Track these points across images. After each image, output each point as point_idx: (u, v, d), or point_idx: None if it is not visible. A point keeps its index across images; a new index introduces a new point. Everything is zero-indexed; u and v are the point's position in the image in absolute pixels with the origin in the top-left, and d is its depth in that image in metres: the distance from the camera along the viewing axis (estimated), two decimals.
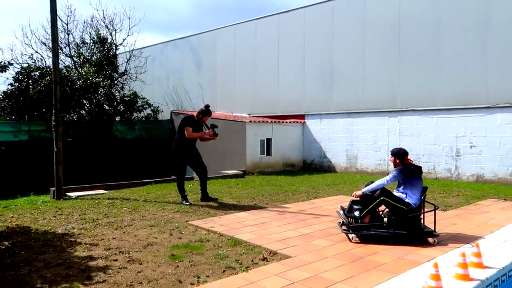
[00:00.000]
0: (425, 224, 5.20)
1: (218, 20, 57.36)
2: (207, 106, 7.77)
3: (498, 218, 6.29)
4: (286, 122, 14.43)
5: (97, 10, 20.30)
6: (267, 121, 14.05)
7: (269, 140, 13.87)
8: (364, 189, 5.24)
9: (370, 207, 5.02)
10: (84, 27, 17.76)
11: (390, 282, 3.63)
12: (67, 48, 17.48)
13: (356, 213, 5.10)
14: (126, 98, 16.96)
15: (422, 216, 5.15)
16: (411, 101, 11.96)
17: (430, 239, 4.92)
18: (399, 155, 5.22)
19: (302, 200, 8.17)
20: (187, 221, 6.23)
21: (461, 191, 9.26)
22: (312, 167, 14.43)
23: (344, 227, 5.21)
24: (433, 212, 5.11)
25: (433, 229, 5.04)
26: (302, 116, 14.73)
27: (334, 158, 13.89)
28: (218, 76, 17.83)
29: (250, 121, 13.61)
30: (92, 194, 8.79)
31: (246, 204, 7.70)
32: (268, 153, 13.85)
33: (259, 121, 13.87)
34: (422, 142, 11.80)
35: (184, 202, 7.56)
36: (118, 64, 17.84)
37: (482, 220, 6.22)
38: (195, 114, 7.81)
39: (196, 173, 8.03)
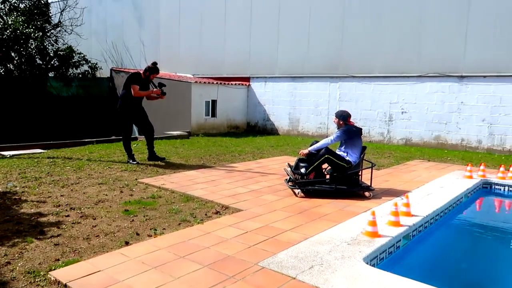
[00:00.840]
0: (362, 180, 5.73)
1: None
2: (154, 63, 7.58)
3: (423, 176, 7.07)
4: (231, 84, 14.45)
5: None
6: (213, 83, 13.98)
7: (214, 102, 13.87)
8: (310, 148, 5.60)
9: (315, 164, 5.41)
10: None
11: (333, 229, 4.05)
12: None
13: (302, 170, 5.47)
14: (61, 53, 15.74)
15: (360, 173, 5.66)
16: (351, 67, 12.53)
17: (367, 193, 5.46)
18: (343, 117, 5.62)
19: (249, 160, 8.47)
20: (136, 179, 6.25)
21: (392, 153, 10.13)
22: (256, 130, 14.76)
23: (290, 183, 5.58)
24: (370, 169, 5.63)
25: (369, 184, 5.58)
26: (247, 79, 14.83)
27: (277, 121, 14.30)
28: (162, 33, 17.15)
29: (196, 82, 13.46)
30: (28, 153, 8.34)
31: (194, 163, 7.82)
32: (213, 115, 13.89)
33: (204, 82, 13.75)
34: (359, 108, 12.54)
35: (131, 161, 7.49)
36: (51, 14, 16.37)
37: (410, 177, 6.95)
38: (141, 72, 7.60)
39: (142, 133, 7.92)
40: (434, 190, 5.81)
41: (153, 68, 7.50)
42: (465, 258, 4.46)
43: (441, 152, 10.43)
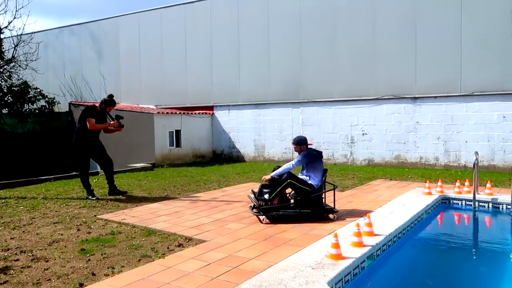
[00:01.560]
0: (326, 202, 5.76)
1: (118, 6, 54.15)
2: (110, 96, 7.45)
3: (385, 195, 7.21)
4: (195, 113, 14.42)
5: None
6: (176, 113, 13.89)
7: (178, 132, 13.74)
8: (273, 173, 5.60)
9: (278, 189, 5.40)
10: None
11: (298, 254, 4.00)
12: None
13: (266, 196, 5.44)
14: (15, 88, 15.22)
15: (323, 196, 5.70)
16: (312, 93, 12.86)
17: (331, 215, 5.47)
18: (301, 141, 5.69)
19: (214, 188, 8.35)
20: (95, 215, 5.98)
21: (355, 174, 10.32)
22: (222, 158, 14.69)
23: (255, 210, 5.52)
24: (333, 191, 5.68)
25: (333, 206, 5.61)
26: (211, 108, 14.86)
27: (243, 148, 14.32)
28: (122, 65, 17.01)
29: (158, 113, 13.32)
30: None
31: (157, 195, 7.62)
32: (178, 145, 13.73)
33: (167, 113, 13.64)
34: (322, 131, 12.80)
35: (90, 197, 7.19)
36: (3, 50, 15.89)
37: (373, 197, 7.07)
38: (97, 105, 7.44)
39: (100, 167, 7.68)
40: (395, 208, 5.92)
41: (109, 101, 7.35)
42: (430, 274, 4.51)
43: (402, 171, 10.73)
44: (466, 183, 7.03)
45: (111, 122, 7.45)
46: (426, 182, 7.13)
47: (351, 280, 3.67)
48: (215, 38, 14.62)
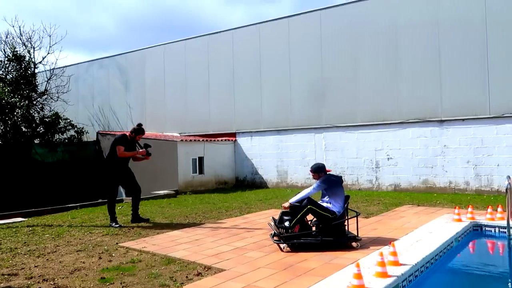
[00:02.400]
0: (349, 230, 5.59)
1: (145, 38, 56.46)
2: (139, 125, 7.68)
3: (412, 222, 6.94)
4: (217, 140, 14.56)
5: (13, 27, 18.77)
6: (199, 140, 14.07)
7: (201, 159, 13.86)
8: (291, 200, 5.50)
9: (298, 216, 5.29)
10: None
11: (318, 284, 3.86)
12: None
13: (286, 223, 5.33)
14: (47, 119, 15.89)
15: (346, 223, 5.53)
16: (334, 118, 12.78)
17: (354, 244, 5.29)
18: (319, 169, 5.61)
19: (235, 215, 8.28)
20: (117, 243, 6.01)
21: (381, 199, 10.03)
22: (245, 184, 14.64)
23: (275, 238, 5.41)
24: (356, 218, 5.51)
25: (356, 234, 5.43)
26: (233, 134, 14.98)
27: (266, 174, 14.25)
28: (147, 95, 17.53)
29: (181, 140, 13.53)
30: (8, 223, 8.06)
31: (179, 222, 7.61)
32: (201, 172, 13.82)
33: (190, 140, 13.83)
34: (345, 156, 12.61)
35: (113, 224, 7.27)
36: (37, 83, 16.72)
37: (399, 224, 6.82)
38: (127, 134, 7.65)
39: (129, 193, 7.81)
40: (423, 236, 5.67)
41: (138, 129, 7.58)
42: None
43: (430, 196, 10.36)
44: (499, 209, 6.68)
45: (140, 150, 7.63)
46: (455, 208, 6.83)
47: None
48: (237, 66, 14.91)
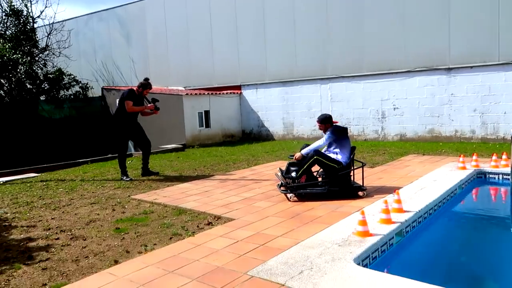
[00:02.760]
0: (354, 180, 5.70)
1: None
2: (146, 79, 7.65)
3: (417, 170, 7.04)
4: (223, 93, 14.47)
5: None
6: (204, 93, 14.00)
7: (207, 112, 13.87)
8: (303, 151, 5.56)
9: (305, 167, 5.38)
10: None
11: (324, 231, 4.01)
12: None
13: (293, 174, 5.44)
14: (51, 76, 15.78)
15: (352, 173, 5.63)
16: (340, 68, 12.56)
17: (360, 193, 5.42)
18: (326, 119, 5.61)
19: (243, 167, 8.44)
20: (129, 196, 6.21)
21: (386, 149, 10.10)
22: (251, 137, 14.75)
23: (282, 188, 5.55)
24: (361, 168, 5.60)
25: (361, 184, 5.55)
26: (238, 87, 14.85)
27: (272, 126, 14.29)
28: (150, 49, 17.21)
29: (187, 94, 13.47)
30: (22, 178, 8.31)
31: (188, 175, 7.79)
32: (207, 125, 13.88)
33: (195, 94, 13.77)
34: (352, 107, 12.54)
35: (124, 178, 7.46)
36: (37, 38, 16.43)
37: (404, 173, 6.92)
38: (135, 88, 7.63)
39: (139, 148, 7.93)
40: (427, 184, 5.78)
41: (146, 84, 7.55)
42: (463, 250, 4.41)
43: (436, 145, 10.40)
44: (504, 156, 6.73)
45: (148, 105, 7.64)
46: (460, 156, 6.89)
47: (379, 257, 3.65)
48: (240, 17, 14.46)
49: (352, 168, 5.63)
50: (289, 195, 5.41)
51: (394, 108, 11.80)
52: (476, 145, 10.15)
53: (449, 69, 10.81)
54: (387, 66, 11.72)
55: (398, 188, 5.63)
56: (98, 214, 5.26)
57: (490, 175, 6.58)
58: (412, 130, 11.60)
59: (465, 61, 10.53)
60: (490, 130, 10.46)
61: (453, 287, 3.41)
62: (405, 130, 11.71)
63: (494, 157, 6.69)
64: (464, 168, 6.61)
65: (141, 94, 7.56)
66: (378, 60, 11.83)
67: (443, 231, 4.90)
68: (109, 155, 11.23)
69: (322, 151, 5.60)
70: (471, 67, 10.47)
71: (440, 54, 10.86)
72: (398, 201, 4.46)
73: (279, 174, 5.69)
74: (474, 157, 6.88)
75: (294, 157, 5.63)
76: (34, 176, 8.48)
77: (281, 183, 5.63)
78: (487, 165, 6.75)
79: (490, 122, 10.43)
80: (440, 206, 5.15)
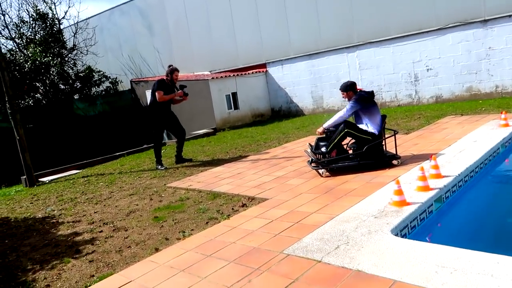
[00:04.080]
0: (387, 150, 5.51)
1: None
2: (169, 66, 7.68)
3: (455, 133, 6.73)
4: (248, 73, 14.37)
5: None
6: (230, 75, 13.95)
7: (234, 94, 13.85)
8: (325, 125, 5.42)
9: (335, 141, 5.25)
10: (19, 4, 16.50)
11: (359, 204, 3.93)
12: (6, 30, 16.36)
13: (323, 149, 5.34)
14: (81, 74, 16.27)
15: (384, 143, 5.44)
16: (366, 34, 12.08)
17: (394, 161, 5.24)
18: (348, 87, 5.39)
19: (274, 146, 8.40)
20: (165, 184, 6.36)
21: (422, 113, 9.71)
22: (281, 114, 14.63)
23: (313, 164, 5.47)
24: (394, 137, 5.40)
25: (394, 153, 5.36)
26: (263, 65, 14.68)
27: (301, 101, 14.09)
28: (173, 37, 17.28)
29: (213, 78, 13.48)
30: (65, 176, 8.72)
31: (220, 158, 7.87)
32: (236, 107, 13.89)
33: (221, 77, 13.75)
34: (382, 73, 12.09)
35: (159, 167, 7.63)
36: (65, 39, 16.91)
37: (441, 136, 6.64)
38: (164, 78, 7.69)
39: (175, 136, 8.04)
40: (466, 146, 5.51)
41: (172, 69, 7.57)
42: (510, 212, 4.20)
43: (475, 104, 9.89)
44: None
45: (177, 92, 7.68)
46: (502, 113, 6.50)
47: (418, 226, 3.54)
48: None
49: (384, 137, 5.43)
50: (320, 171, 5.33)
51: (428, 69, 11.27)
52: None
53: (485, 21, 10.12)
54: (416, 26, 11.14)
55: (435, 153, 5.41)
56: (137, 205, 5.43)
57: None
58: (448, 90, 11.06)
59: (503, 10, 9.80)
60: None
61: (501, 252, 3.26)
62: (441, 91, 11.18)
63: None
64: (506, 125, 6.24)
65: (171, 81, 7.61)
66: (406, 20, 11.26)
67: (487, 193, 4.69)
68: (144, 146, 11.52)
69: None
70: (510, 15, 9.75)
71: (474, 6, 10.17)
72: (436, 167, 4.29)
73: (309, 150, 5.60)
74: None
75: (317, 132, 5.50)
76: (76, 173, 8.87)
77: (312, 159, 5.54)
78: None
79: None
80: (482, 167, 4.91)
